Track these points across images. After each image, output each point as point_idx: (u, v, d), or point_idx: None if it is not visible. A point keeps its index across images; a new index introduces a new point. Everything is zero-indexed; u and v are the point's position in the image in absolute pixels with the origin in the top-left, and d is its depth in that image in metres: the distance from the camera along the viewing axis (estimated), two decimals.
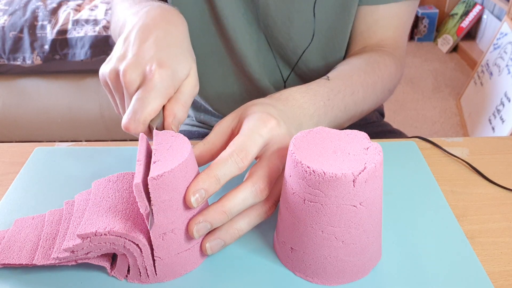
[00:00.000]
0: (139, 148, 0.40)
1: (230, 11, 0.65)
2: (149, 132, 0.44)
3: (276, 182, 0.42)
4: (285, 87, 0.72)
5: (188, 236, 0.40)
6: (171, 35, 0.47)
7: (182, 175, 0.37)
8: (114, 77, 0.45)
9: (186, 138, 0.40)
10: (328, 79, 0.56)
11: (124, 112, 0.48)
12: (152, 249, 0.39)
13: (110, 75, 0.45)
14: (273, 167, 0.42)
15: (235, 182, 0.42)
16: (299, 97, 0.51)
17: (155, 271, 0.40)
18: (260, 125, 0.42)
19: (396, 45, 0.67)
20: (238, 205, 0.40)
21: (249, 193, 0.40)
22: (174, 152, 0.39)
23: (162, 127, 0.45)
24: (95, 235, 0.37)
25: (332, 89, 0.55)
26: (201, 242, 0.42)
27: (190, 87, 0.47)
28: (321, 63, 0.70)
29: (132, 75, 0.44)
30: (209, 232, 0.41)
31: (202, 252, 0.42)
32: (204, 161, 0.44)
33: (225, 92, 0.74)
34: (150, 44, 0.46)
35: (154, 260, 0.40)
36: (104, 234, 0.38)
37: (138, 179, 0.36)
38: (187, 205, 0.38)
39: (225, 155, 0.40)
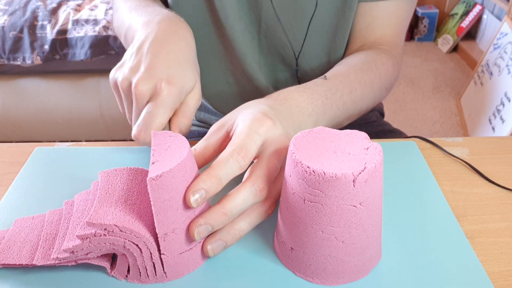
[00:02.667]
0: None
1: (229, 11, 0.65)
2: None
3: (274, 181, 0.43)
4: (299, 82, 0.72)
5: (190, 236, 0.40)
6: (180, 50, 0.52)
7: (181, 175, 0.37)
8: (126, 86, 0.49)
9: (184, 138, 0.40)
10: (325, 78, 0.56)
11: (129, 115, 0.52)
12: (158, 247, 0.39)
13: (122, 84, 0.49)
14: (271, 166, 0.42)
15: (234, 185, 0.42)
16: (297, 96, 0.51)
17: (163, 269, 0.40)
18: (256, 124, 0.43)
19: (394, 43, 0.68)
20: (238, 205, 0.40)
21: (249, 193, 0.40)
22: (173, 152, 0.39)
23: None
24: (95, 235, 0.37)
25: (330, 88, 0.55)
26: (203, 244, 0.41)
27: (194, 101, 0.51)
28: (324, 60, 0.70)
29: (143, 89, 0.48)
30: (210, 234, 0.41)
31: (204, 253, 0.42)
32: (199, 165, 0.44)
33: (225, 91, 0.74)
34: (161, 59, 0.49)
35: (161, 259, 0.40)
36: (105, 234, 0.38)
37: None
38: (187, 205, 0.38)
39: (226, 154, 0.40)
